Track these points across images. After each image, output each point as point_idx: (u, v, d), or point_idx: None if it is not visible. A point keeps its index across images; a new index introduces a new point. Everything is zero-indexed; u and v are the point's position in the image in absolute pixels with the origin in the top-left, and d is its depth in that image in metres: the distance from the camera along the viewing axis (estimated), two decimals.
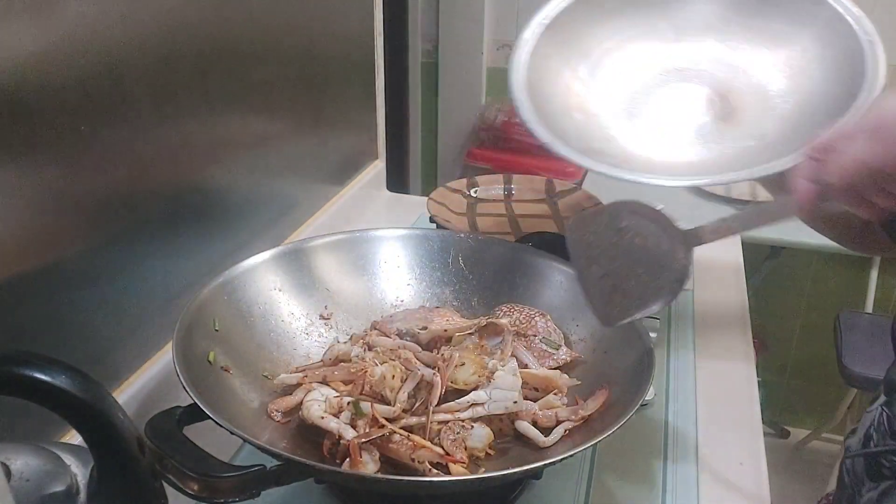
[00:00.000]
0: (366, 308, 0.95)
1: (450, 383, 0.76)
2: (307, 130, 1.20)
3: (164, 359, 0.85)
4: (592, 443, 0.69)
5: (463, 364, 0.77)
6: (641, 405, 0.71)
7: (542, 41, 0.95)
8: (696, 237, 0.74)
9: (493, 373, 0.77)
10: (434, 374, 0.76)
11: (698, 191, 1.66)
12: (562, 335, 0.89)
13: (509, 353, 0.81)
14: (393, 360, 0.78)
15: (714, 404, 0.96)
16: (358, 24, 1.33)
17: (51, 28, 0.65)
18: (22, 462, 0.49)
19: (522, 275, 0.96)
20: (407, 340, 0.85)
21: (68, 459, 0.52)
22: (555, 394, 0.80)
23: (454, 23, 2.36)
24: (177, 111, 0.84)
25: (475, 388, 0.76)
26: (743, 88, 0.94)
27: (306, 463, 0.64)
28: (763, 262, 2.09)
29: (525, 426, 0.77)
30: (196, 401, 0.67)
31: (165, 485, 0.58)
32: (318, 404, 0.75)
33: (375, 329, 0.89)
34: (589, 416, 0.77)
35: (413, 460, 0.71)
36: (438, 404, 0.75)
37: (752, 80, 0.94)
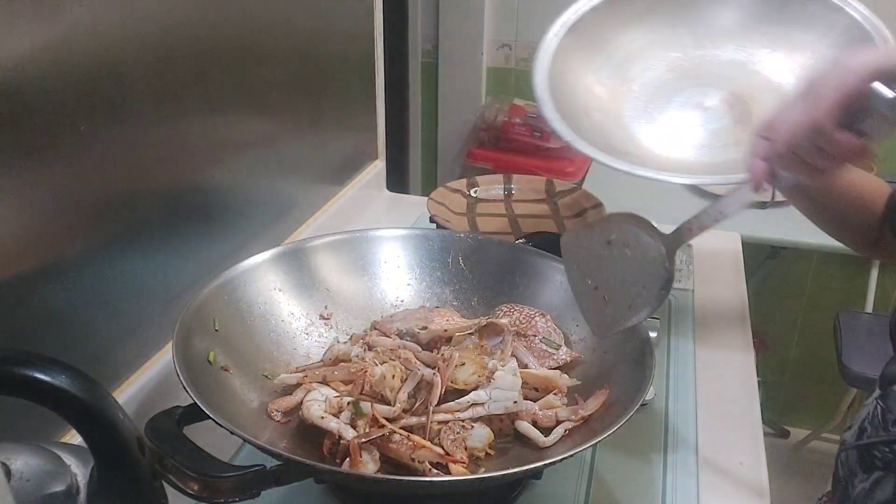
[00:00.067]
0: (366, 308, 0.95)
1: (450, 383, 0.76)
2: (307, 130, 1.20)
3: (164, 359, 0.85)
4: (592, 443, 0.69)
5: (463, 364, 0.77)
6: (641, 405, 0.71)
7: (564, 43, 0.97)
8: (674, 241, 0.77)
9: (493, 373, 0.77)
10: (434, 374, 0.76)
11: (701, 192, 1.67)
12: (562, 335, 0.89)
13: (509, 353, 0.81)
14: (393, 360, 0.78)
15: (714, 404, 0.96)
16: (358, 24, 1.33)
17: (51, 28, 0.65)
18: (22, 462, 0.49)
19: (522, 275, 0.96)
20: (407, 340, 0.85)
21: (68, 459, 0.52)
22: (555, 394, 0.80)
23: (454, 23, 2.36)
24: (177, 111, 0.85)
25: (475, 388, 0.76)
26: (761, 93, 0.95)
27: (306, 463, 0.64)
28: (763, 261, 2.09)
29: (525, 426, 0.77)
30: (196, 401, 0.67)
31: (165, 485, 0.58)
32: (318, 404, 0.75)
33: (375, 329, 0.89)
34: (589, 416, 0.77)
35: (413, 460, 0.71)
36: (438, 404, 0.75)
37: (771, 84, 0.95)
